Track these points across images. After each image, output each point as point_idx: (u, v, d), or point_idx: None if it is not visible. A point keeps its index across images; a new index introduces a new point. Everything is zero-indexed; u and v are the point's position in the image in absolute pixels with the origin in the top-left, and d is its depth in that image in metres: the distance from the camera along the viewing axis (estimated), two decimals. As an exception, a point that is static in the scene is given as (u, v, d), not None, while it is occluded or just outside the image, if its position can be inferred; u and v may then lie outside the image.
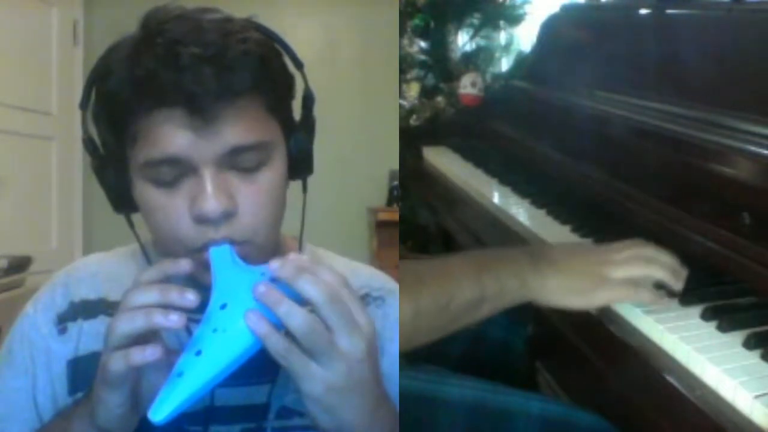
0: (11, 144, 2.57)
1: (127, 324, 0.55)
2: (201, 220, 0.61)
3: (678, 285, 0.76)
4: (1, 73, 2.50)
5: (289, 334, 0.54)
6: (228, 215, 0.61)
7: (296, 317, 0.54)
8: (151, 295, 0.56)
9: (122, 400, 0.57)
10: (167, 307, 0.55)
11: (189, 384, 0.54)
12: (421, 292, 0.69)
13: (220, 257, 0.60)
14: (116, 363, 0.55)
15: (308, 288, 0.55)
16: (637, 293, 0.75)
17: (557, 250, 0.83)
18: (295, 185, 0.72)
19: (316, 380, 0.54)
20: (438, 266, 0.73)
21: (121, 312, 0.56)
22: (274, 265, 0.57)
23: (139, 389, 0.58)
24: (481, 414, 0.81)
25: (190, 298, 0.55)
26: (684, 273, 0.77)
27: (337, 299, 0.55)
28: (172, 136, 0.60)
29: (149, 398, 0.56)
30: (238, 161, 0.62)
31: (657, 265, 0.76)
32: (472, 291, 0.71)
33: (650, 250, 0.78)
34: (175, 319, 0.54)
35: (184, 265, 0.59)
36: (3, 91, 2.51)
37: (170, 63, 0.58)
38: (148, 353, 0.54)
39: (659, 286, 0.77)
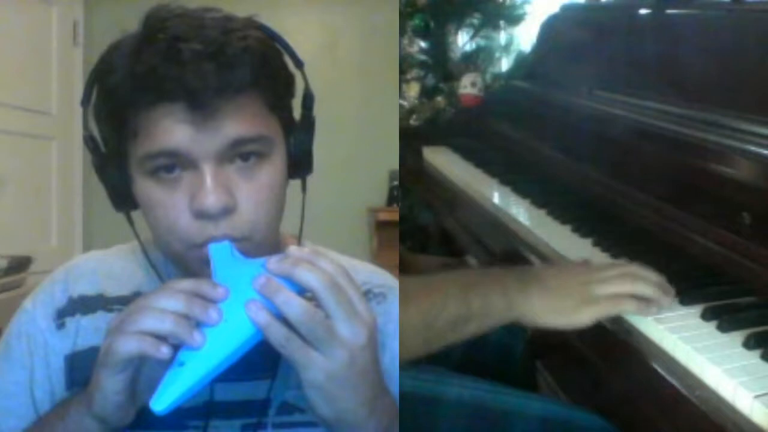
0: (11, 144, 2.57)
1: (155, 322, 0.55)
2: (200, 215, 0.61)
3: (666, 301, 0.77)
4: (1, 73, 2.50)
5: (290, 324, 0.55)
6: (227, 211, 0.61)
7: (294, 306, 0.54)
8: (177, 303, 0.56)
9: (121, 387, 0.57)
10: (189, 317, 0.56)
11: (191, 374, 0.54)
12: (407, 307, 0.70)
13: (220, 253, 0.61)
14: (128, 344, 0.55)
15: (306, 276, 0.55)
16: (621, 307, 0.75)
17: (543, 270, 0.84)
18: (296, 185, 0.73)
19: (317, 368, 0.55)
20: (425, 283, 0.74)
21: (143, 308, 0.56)
22: (273, 259, 0.57)
23: (137, 380, 0.58)
24: (481, 414, 0.81)
25: (213, 315, 0.56)
26: (672, 291, 0.77)
27: (335, 286, 0.56)
28: (172, 130, 0.60)
29: (147, 390, 0.56)
30: (239, 154, 0.62)
31: (643, 282, 0.76)
32: (458, 308, 0.71)
33: (637, 268, 0.78)
34: (198, 339, 0.55)
35: (222, 292, 0.58)
36: (3, 91, 2.51)
37: (171, 59, 0.58)
38: (163, 351, 0.54)
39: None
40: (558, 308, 0.75)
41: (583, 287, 0.75)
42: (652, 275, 0.77)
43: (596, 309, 0.75)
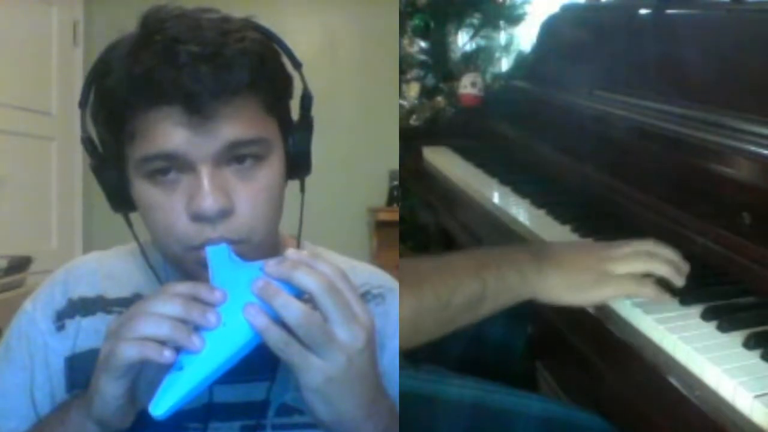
0: (11, 144, 2.57)
1: (153, 327, 0.55)
2: (198, 218, 0.61)
3: (680, 281, 0.76)
4: (1, 73, 2.50)
5: (288, 328, 0.55)
6: (225, 213, 0.61)
7: (292, 309, 0.54)
8: (175, 307, 0.56)
9: (121, 392, 0.57)
10: (187, 322, 0.55)
11: (190, 378, 0.54)
12: (422, 288, 0.69)
13: (218, 256, 0.60)
14: (130, 350, 0.54)
15: (305, 279, 0.55)
16: (639, 288, 0.75)
17: (559, 247, 0.83)
18: (296, 184, 0.73)
19: (316, 371, 0.55)
20: (439, 263, 0.73)
21: (141, 313, 0.56)
22: (271, 262, 0.57)
23: (137, 383, 0.58)
24: (480, 414, 0.81)
25: (211, 320, 0.56)
26: (686, 268, 0.77)
27: (334, 290, 0.56)
28: (170, 133, 0.60)
29: (147, 393, 0.56)
30: (236, 157, 0.62)
31: (659, 260, 0.76)
32: (472, 287, 0.70)
33: (652, 246, 0.77)
34: (196, 344, 0.55)
35: (220, 296, 0.57)
36: (3, 91, 2.51)
37: (169, 61, 0.58)
38: (166, 355, 0.54)
39: (660, 283, 0.76)
40: (573, 285, 0.74)
41: (599, 264, 0.75)
42: (668, 252, 0.77)
43: (613, 288, 0.74)
